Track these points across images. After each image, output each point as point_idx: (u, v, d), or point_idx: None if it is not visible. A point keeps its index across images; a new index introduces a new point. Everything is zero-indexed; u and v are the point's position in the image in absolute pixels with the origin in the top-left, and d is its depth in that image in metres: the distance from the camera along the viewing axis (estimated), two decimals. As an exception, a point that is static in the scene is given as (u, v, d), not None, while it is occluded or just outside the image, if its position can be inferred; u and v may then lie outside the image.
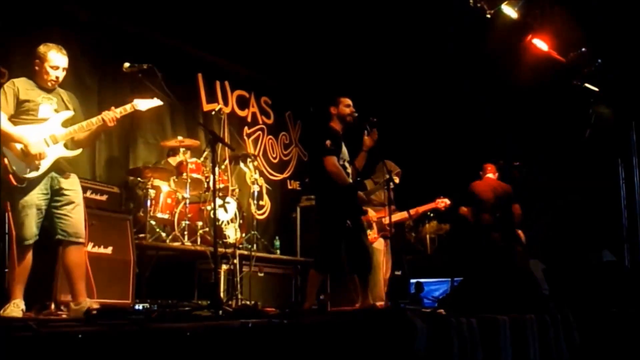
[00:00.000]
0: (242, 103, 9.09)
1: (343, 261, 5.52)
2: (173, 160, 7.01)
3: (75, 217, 4.43)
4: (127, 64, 4.60)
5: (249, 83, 9.18)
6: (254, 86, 9.26)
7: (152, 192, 6.38)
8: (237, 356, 2.51)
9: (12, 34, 6.02)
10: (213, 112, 7.59)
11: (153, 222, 6.38)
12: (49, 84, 4.48)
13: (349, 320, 3.42)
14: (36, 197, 4.30)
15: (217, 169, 5.19)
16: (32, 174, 4.29)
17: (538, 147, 8.47)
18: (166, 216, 6.54)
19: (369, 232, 6.81)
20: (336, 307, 7.07)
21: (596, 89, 7.71)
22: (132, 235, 5.74)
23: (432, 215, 9.36)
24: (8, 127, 4.26)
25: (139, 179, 6.55)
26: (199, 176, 6.67)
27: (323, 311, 6.50)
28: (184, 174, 6.57)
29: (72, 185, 4.49)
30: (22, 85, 4.42)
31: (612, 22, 7.42)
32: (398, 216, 7.16)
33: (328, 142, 5.37)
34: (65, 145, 4.48)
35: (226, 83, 8.81)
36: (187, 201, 6.55)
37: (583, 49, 7.51)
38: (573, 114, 8.01)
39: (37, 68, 4.47)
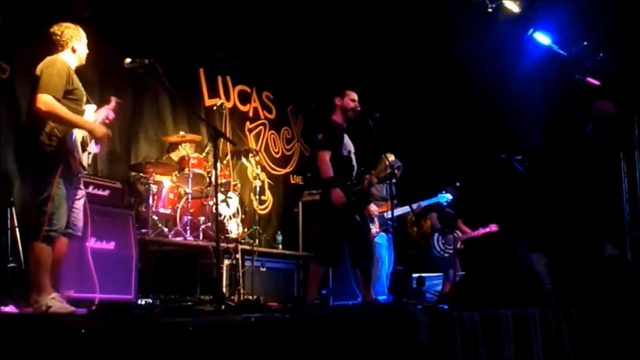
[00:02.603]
0: (244, 98, 9.09)
1: (344, 255, 5.53)
2: (175, 156, 7.02)
3: (82, 211, 4.36)
4: (128, 60, 4.54)
5: (251, 78, 9.18)
6: (255, 81, 9.25)
7: (154, 188, 6.39)
8: (240, 351, 2.51)
9: (15, 30, 6.01)
10: (215, 107, 7.59)
11: (155, 217, 6.39)
12: (82, 62, 4.31)
13: (351, 315, 3.43)
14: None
15: (219, 164, 5.19)
16: (85, 164, 4.18)
17: (540, 141, 8.45)
18: (168, 211, 6.55)
19: (370, 226, 6.81)
20: (338, 302, 7.08)
21: (598, 83, 7.68)
22: (135, 230, 5.76)
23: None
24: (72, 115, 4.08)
25: (140, 174, 6.56)
26: (200, 171, 6.67)
27: (325, 306, 6.51)
28: (186, 169, 6.58)
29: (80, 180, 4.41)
30: (70, 70, 4.21)
31: (613, 15, 7.39)
32: (400, 211, 7.15)
33: (320, 136, 5.36)
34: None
35: (228, 78, 8.81)
36: (189, 196, 6.56)
37: (585, 43, 7.47)
38: (575, 108, 7.99)
39: (75, 49, 4.23)
